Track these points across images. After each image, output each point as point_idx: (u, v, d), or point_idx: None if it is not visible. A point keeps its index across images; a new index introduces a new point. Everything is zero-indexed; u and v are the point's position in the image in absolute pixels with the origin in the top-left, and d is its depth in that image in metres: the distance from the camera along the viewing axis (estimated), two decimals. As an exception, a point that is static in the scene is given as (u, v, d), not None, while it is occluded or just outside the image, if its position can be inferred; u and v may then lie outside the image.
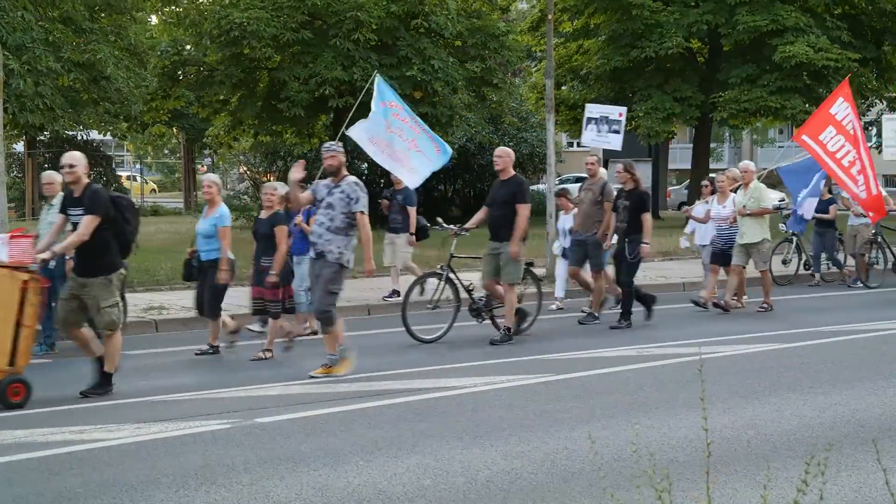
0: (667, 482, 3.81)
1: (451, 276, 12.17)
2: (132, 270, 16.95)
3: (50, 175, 11.96)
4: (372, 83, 14.34)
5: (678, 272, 19.16)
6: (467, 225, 12.47)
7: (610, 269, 13.74)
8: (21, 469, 6.82)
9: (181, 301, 14.78)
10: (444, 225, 12.86)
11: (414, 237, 15.22)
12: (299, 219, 12.01)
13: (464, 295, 12.27)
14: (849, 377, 9.63)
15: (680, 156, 47.66)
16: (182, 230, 28.99)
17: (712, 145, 36.54)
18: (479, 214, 12.35)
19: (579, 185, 18.17)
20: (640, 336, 12.32)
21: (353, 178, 10.05)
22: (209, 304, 11.36)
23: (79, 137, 43.08)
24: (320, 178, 12.19)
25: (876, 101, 34.59)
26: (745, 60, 29.02)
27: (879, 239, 17.44)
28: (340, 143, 10.71)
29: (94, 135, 44.83)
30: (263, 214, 11.50)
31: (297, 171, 10.22)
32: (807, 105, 28.40)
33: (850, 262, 17.69)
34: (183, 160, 53.48)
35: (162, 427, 7.88)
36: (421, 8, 25.66)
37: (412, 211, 15.21)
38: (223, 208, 11.49)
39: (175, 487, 6.25)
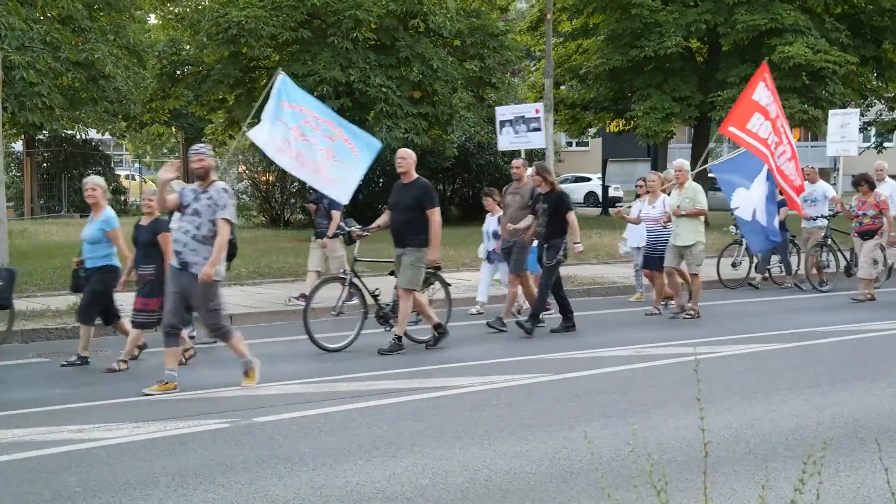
0: (664, 482, 3.82)
1: (356, 280, 11.70)
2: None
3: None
4: (273, 83, 12.83)
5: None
6: (370, 227, 11.92)
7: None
8: (20, 468, 6.82)
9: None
10: (346, 226, 12.34)
11: (328, 239, 14.30)
12: None
13: (370, 301, 11.74)
14: (847, 377, 9.65)
15: (679, 156, 47.49)
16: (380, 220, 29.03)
17: (711, 145, 36.48)
18: (383, 217, 11.76)
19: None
20: (637, 336, 12.33)
21: (221, 184, 9.39)
22: (84, 308, 10.86)
23: (77, 136, 43.04)
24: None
25: (875, 100, 34.60)
26: (744, 60, 29.00)
27: (830, 241, 16.88)
28: (209, 146, 9.89)
29: (93, 134, 44.80)
30: (144, 221, 10.75)
31: (167, 171, 9.52)
32: (805, 105, 28.47)
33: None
34: (180, 159, 53.48)
35: (160, 426, 7.89)
36: (420, 7, 25.65)
37: (336, 215, 14.36)
38: (108, 211, 10.84)
39: (173, 486, 6.27)
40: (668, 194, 14.25)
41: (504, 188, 13.96)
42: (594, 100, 32.04)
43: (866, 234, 15.40)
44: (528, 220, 12.69)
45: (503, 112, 18.38)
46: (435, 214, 11.23)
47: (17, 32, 20.52)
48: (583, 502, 5.83)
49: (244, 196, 35.58)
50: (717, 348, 11.23)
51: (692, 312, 13.76)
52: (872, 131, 41.33)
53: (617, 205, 22.33)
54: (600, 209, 38.86)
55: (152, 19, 35.20)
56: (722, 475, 6.07)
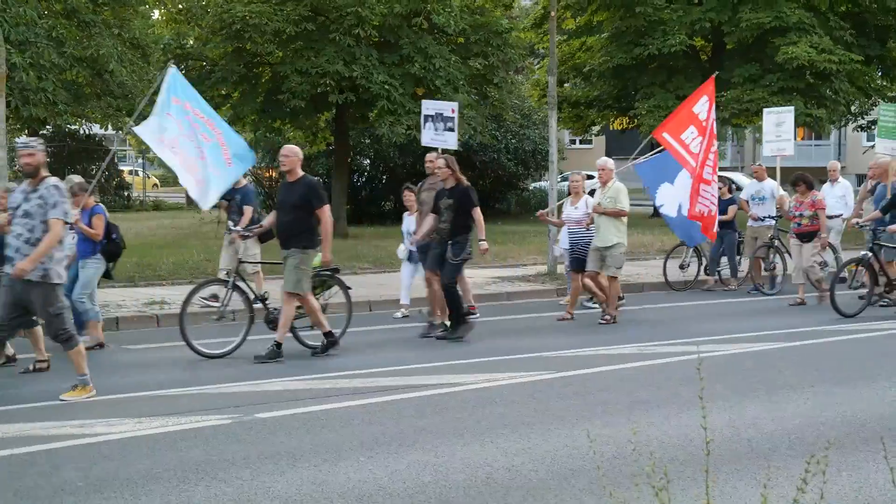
0: (666, 480, 3.81)
1: (240, 283, 11.10)
2: (134, 265, 17.08)
3: None
4: (164, 76, 12.22)
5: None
6: (254, 228, 11.54)
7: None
8: (23, 462, 6.83)
9: (183, 296, 14.78)
10: (232, 227, 11.74)
11: (242, 239, 13.18)
12: (77, 219, 10.91)
13: (257, 305, 11.18)
14: (851, 376, 9.64)
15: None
16: (184, 225, 29.06)
17: (715, 143, 36.59)
18: (269, 218, 11.28)
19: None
20: (639, 334, 12.33)
21: (53, 180, 8.58)
22: None
23: (81, 132, 43.04)
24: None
25: (879, 100, 34.54)
26: (748, 59, 29.02)
27: (777, 243, 16.07)
28: (40, 140, 9.09)
29: (97, 129, 44.81)
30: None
31: None
32: (808, 106, 28.42)
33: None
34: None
35: (163, 422, 7.89)
36: (423, 6, 25.63)
37: (248, 210, 13.71)
38: None
39: (175, 482, 6.27)
40: (592, 194, 13.83)
41: (419, 184, 13.47)
42: (598, 98, 32.06)
43: (804, 236, 14.76)
44: (429, 222, 12.07)
45: (427, 106, 17.56)
46: (325, 213, 10.65)
47: (22, 28, 20.53)
48: (584, 500, 5.82)
49: (248, 192, 35.63)
50: (721, 347, 11.22)
51: (608, 318, 13.13)
52: (875, 130, 41.30)
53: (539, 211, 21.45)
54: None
55: (156, 15, 35.16)
56: (724, 474, 6.06)
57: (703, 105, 15.17)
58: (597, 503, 5.67)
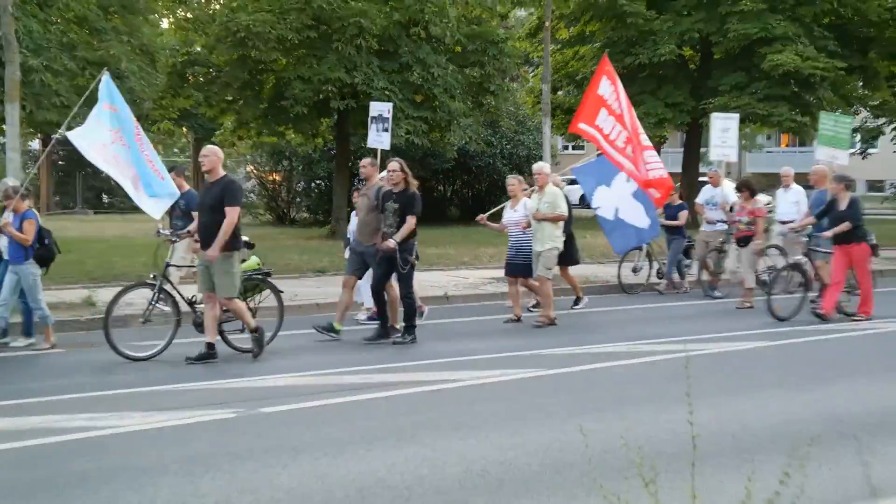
0: (654, 473, 3.83)
1: (167, 287, 10.69)
2: (141, 266, 17.06)
3: None
4: (97, 82, 11.92)
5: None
6: (181, 233, 11.14)
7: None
8: (37, 453, 6.85)
9: (190, 294, 14.79)
10: (161, 231, 11.29)
11: (198, 243, 13.06)
12: (7, 223, 11.00)
13: (185, 308, 10.82)
14: (829, 375, 9.66)
15: (671, 160, 47.61)
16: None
17: (702, 149, 36.51)
18: (194, 223, 10.89)
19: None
20: (628, 333, 12.33)
21: None
22: None
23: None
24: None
25: (861, 108, 34.65)
26: (735, 68, 29.06)
27: (727, 247, 15.68)
28: None
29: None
30: None
31: None
32: (793, 113, 28.45)
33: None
34: (192, 159, 53.49)
35: (170, 416, 7.90)
36: (421, 16, 25.66)
37: (196, 215, 13.17)
38: None
39: (182, 473, 6.28)
40: (530, 197, 13.47)
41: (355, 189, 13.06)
42: (590, 105, 32.04)
43: (742, 241, 14.80)
44: (409, 225, 11.49)
45: (374, 108, 17.18)
46: (231, 213, 10.09)
47: (35, 34, 20.55)
48: (575, 493, 5.84)
49: (252, 195, 35.60)
50: (706, 346, 11.24)
51: (543, 319, 12.93)
52: (858, 137, 41.38)
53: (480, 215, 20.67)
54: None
55: (165, 24, 35.19)
56: (709, 467, 6.09)
57: (606, 87, 14.61)
58: (587, 495, 5.69)
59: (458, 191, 35.82)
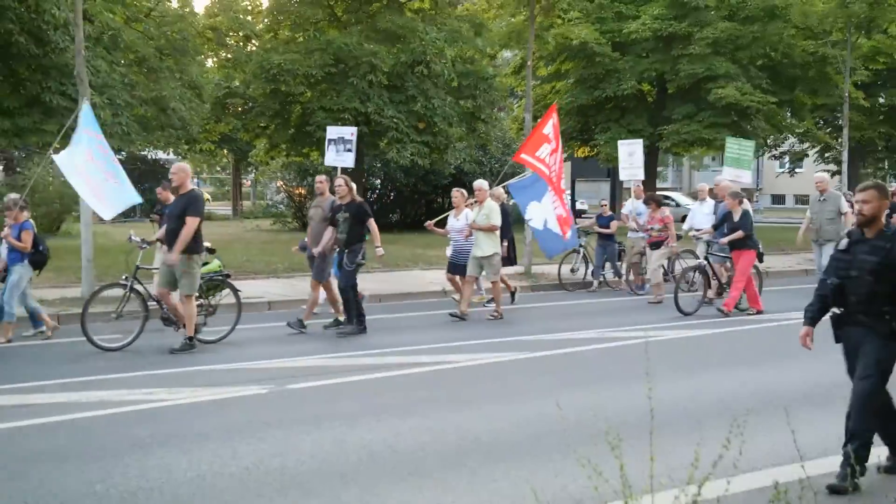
0: (619, 440, 3.82)
1: (137, 286, 10.24)
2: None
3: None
4: (78, 110, 11.70)
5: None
6: (150, 240, 10.64)
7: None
8: (102, 422, 6.83)
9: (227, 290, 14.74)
10: (132, 238, 10.73)
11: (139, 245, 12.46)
12: (7, 233, 10.64)
13: (152, 305, 10.37)
14: (766, 357, 9.67)
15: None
16: (230, 231, 29.02)
17: (659, 168, 36.60)
18: (161, 230, 10.46)
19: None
20: (600, 321, 12.30)
21: None
22: None
23: (149, 157, 43.02)
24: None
25: (789, 135, 34.69)
26: (686, 101, 29.05)
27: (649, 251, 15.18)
28: None
29: (161, 154, 44.83)
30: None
31: None
32: (734, 137, 28.45)
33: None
34: (231, 176, 53.46)
35: (213, 391, 7.89)
36: (424, 57, 25.68)
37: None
38: None
39: (223, 439, 6.27)
40: (472, 209, 13.05)
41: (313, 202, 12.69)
42: (565, 131, 31.93)
43: (654, 245, 14.54)
44: (328, 234, 11.39)
45: (331, 132, 16.58)
46: (190, 223, 9.71)
47: (102, 74, 20.54)
48: (553, 457, 5.83)
49: (281, 206, 35.58)
50: (664, 332, 11.23)
51: (496, 314, 12.64)
52: (787, 159, 41.43)
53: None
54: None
55: (210, 63, 35.21)
56: (665, 435, 6.06)
57: (549, 127, 14.54)
58: (563, 459, 5.67)
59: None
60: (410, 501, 5.05)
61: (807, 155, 39.30)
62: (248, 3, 34.32)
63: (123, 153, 35.80)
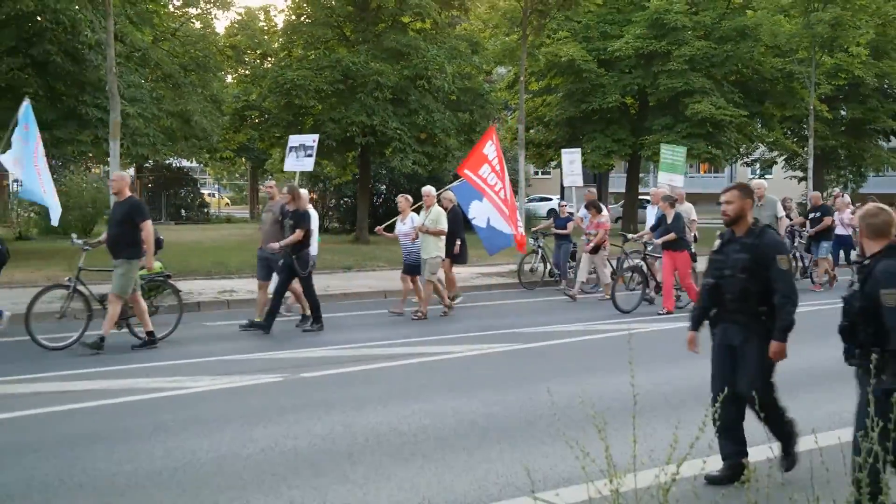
0: (604, 423, 3.80)
1: (80, 287, 9.66)
2: (210, 263, 17.04)
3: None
4: (20, 111, 11.16)
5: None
6: (92, 242, 10.06)
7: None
8: (129, 408, 6.82)
9: (247, 286, 14.76)
10: (75, 241, 10.20)
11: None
12: None
13: (96, 305, 9.77)
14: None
15: (617, 182, 47.69)
16: (247, 233, 28.97)
17: (640, 175, 36.56)
18: (104, 234, 9.84)
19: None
20: (588, 315, 12.30)
21: None
22: None
23: (173, 165, 43.03)
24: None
25: (759, 144, 34.68)
26: (665, 113, 29.04)
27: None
28: None
29: (185, 162, 44.83)
30: None
31: None
32: (709, 147, 28.52)
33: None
34: (249, 182, 53.45)
35: (231, 379, 7.87)
36: (425, 73, 25.68)
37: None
38: None
39: (241, 423, 6.25)
40: (419, 213, 12.54)
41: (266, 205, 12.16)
42: (555, 140, 32.06)
43: (593, 249, 14.08)
44: (295, 237, 10.70)
45: (292, 140, 15.88)
46: (145, 227, 9.30)
47: (132, 89, 20.57)
48: (544, 439, 5.81)
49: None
50: (647, 325, 11.21)
51: (419, 314, 11.94)
52: (757, 166, 41.42)
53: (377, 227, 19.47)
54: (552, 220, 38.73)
55: (229, 78, 35.18)
56: (647, 419, 6.06)
57: (490, 148, 13.81)
58: (553, 441, 5.66)
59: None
60: (413, 479, 5.03)
61: (776, 162, 39.29)
62: (264, 23, 34.28)
63: (152, 161, 35.85)
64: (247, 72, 31.52)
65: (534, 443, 5.75)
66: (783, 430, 5.13)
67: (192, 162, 44.35)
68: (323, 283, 15.67)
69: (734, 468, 4.91)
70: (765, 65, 28.88)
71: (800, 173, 34.96)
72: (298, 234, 10.64)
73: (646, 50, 28.26)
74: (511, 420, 6.35)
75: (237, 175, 64.85)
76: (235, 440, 5.81)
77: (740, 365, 5.09)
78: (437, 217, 12.18)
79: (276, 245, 10.59)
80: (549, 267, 16.06)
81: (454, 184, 14.15)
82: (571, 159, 17.75)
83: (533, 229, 16.52)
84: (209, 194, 53.15)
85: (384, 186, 32.90)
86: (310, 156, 15.45)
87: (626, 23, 29.47)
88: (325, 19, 27.13)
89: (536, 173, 53.19)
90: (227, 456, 5.49)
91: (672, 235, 12.24)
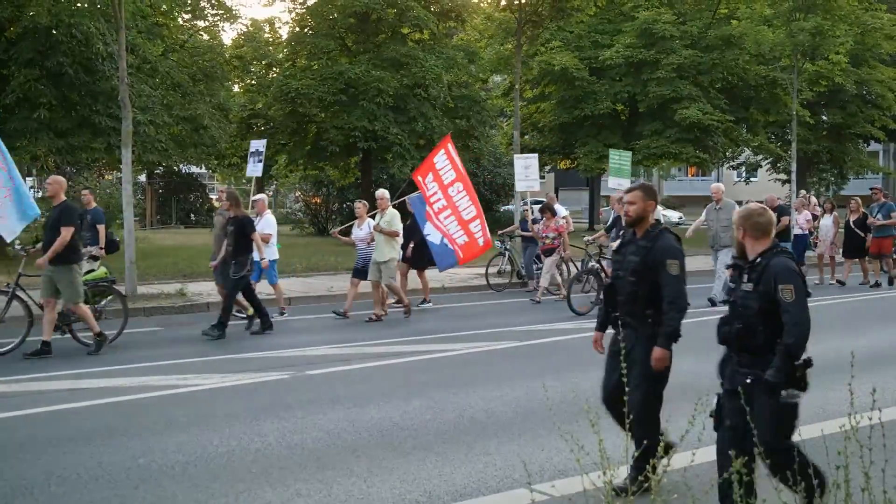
0: (597, 417, 3.81)
1: (20, 293, 9.24)
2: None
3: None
4: None
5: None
6: (28, 247, 9.69)
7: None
8: (142, 405, 6.82)
9: (257, 288, 14.72)
10: (15, 247, 9.93)
11: (103, 251, 11.92)
12: None
13: (37, 311, 9.27)
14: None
15: (607, 186, 47.76)
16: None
17: (631, 179, 36.60)
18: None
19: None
20: (568, 315, 12.29)
21: None
22: None
23: (183, 171, 43.02)
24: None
25: (745, 148, 34.74)
26: (655, 119, 29.07)
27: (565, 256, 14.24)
28: None
29: (194, 168, 44.81)
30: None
31: None
32: (697, 151, 28.57)
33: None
34: (254, 187, 53.39)
35: (240, 376, 7.88)
36: (423, 81, 25.72)
37: (101, 228, 11.96)
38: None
39: (250, 419, 6.26)
40: (374, 218, 12.07)
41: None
42: (549, 145, 32.11)
43: (547, 252, 13.79)
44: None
45: (253, 144, 15.27)
46: (64, 233, 8.83)
47: (143, 98, 20.59)
48: (540, 433, 5.82)
49: (299, 213, 35.57)
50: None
51: (375, 316, 11.62)
52: (743, 170, 41.45)
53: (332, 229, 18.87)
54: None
55: (236, 88, 35.14)
56: (637, 413, 6.05)
57: (442, 159, 13.08)
58: (549, 434, 5.67)
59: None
60: (414, 472, 5.05)
61: (760, 166, 39.34)
62: (269, 35, 34.24)
63: (162, 167, 35.82)
64: (253, 81, 31.49)
65: (530, 437, 5.76)
66: (642, 441, 4.48)
67: (200, 168, 44.34)
68: (326, 283, 15.69)
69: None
70: (749, 72, 28.93)
71: (784, 176, 34.99)
72: (255, 237, 10.39)
73: (635, 58, 28.31)
74: (508, 415, 6.36)
75: (244, 181, 64.87)
76: (244, 435, 5.82)
77: (629, 370, 4.53)
78: (391, 218, 11.75)
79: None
80: (517, 269, 15.74)
81: (413, 194, 13.57)
82: (526, 164, 16.82)
83: (500, 232, 16.16)
84: (217, 199, 53.15)
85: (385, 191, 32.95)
86: (260, 161, 14.93)
87: (617, 33, 29.51)
88: (328, 31, 27.17)
89: (531, 177, 53.03)
90: (236, 450, 5.50)
91: None
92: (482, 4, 31.52)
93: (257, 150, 15.11)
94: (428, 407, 6.59)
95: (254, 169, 15.08)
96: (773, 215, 4.24)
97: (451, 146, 13.37)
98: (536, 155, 18.01)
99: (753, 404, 3.86)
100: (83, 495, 4.72)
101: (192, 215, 42.17)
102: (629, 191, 4.92)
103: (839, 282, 16.19)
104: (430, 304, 13.27)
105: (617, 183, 16.41)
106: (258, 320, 10.67)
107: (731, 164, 40.25)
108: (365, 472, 5.05)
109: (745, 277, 4.09)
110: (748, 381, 4.05)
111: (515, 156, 17.67)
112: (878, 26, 28.74)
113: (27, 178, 39.23)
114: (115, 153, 19.59)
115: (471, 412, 6.42)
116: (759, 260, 4.05)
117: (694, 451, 3.83)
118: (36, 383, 7.65)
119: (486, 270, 15.77)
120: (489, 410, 6.48)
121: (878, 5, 29.86)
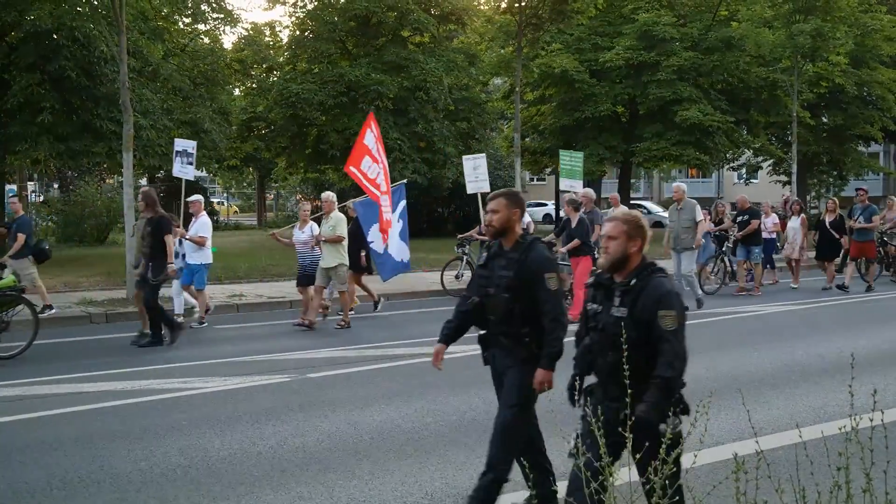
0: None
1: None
2: (220, 268, 17.03)
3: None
4: None
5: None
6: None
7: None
8: (144, 408, 6.83)
9: (255, 290, 14.77)
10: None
11: (12, 260, 11.32)
12: None
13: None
14: (726, 345, 9.65)
15: (609, 188, 47.74)
16: (255, 240, 28.98)
17: (632, 180, 36.62)
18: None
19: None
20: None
21: None
22: None
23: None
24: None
25: (745, 149, 34.73)
26: (655, 121, 29.09)
27: None
28: None
29: (196, 172, 44.92)
30: None
31: None
32: (697, 153, 28.56)
33: None
34: (256, 190, 53.47)
35: (242, 379, 7.88)
36: (424, 84, 25.74)
37: (21, 237, 11.44)
38: None
39: (251, 421, 6.26)
40: (318, 222, 11.60)
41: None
42: (549, 148, 32.10)
43: None
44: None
45: (178, 144, 14.44)
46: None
47: (144, 102, 20.63)
48: (541, 432, 5.81)
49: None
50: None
51: (342, 323, 11.23)
52: (743, 171, 41.47)
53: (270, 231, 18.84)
54: (554, 226, 38.76)
55: (237, 91, 35.20)
56: (638, 415, 6.06)
57: (370, 139, 12.58)
58: (550, 435, 5.66)
59: (453, 212, 35.78)
60: (416, 475, 5.05)
61: (761, 167, 39.34)
62: (270, 38, 34.33)
63: (163, 171, 35.82)
64: (253, 85, 31.55)
65: (531, 438, 5.75)
66: (492, 464, 4.28)
67: (201, 171, 44.37)
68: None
69: (543, 496, 4.10)
70: (750, 74, 28.93)
71: (784, 177, 34.99)
72: (168, 240, 9.98)
73: (636, 61, 28.31)
74: (509, 417, 6.35)
75: (245, 184, 64.89)
76: (246, 438, 5.83)
77: (503, 389, 4.41)
78: (337, 223, 11.27)
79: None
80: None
81: (358, 199, 12.89)
82: (475, 165, 16.03)
83: (459, 236, 15.70)
84: (218, 203, 53.12)
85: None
86: (190, 163, 14.22)
87: (617, 35, 29.52)
88: (329, 34, 27.21)
89: (532, 179, 53.23)
90: (237, 453, 5.51)
91: (577, 242, 11.57)
92: (482, 7, 31.56)
93: (185, 150, 14.25)
94: (429, 409, 6.60)
95: (182, 170, 14.19)
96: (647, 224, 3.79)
97: (374, 124, 12.85)
98: (484, 155, 17.37)
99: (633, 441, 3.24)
100: (85, 498, 4.73)
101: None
102: (492, 198, 4.39)
103: (825, 288, 15.20)
104: (386, 300, 12.79)
105: (569, 185, 16.23)
106: (150, 332, 9.96)
107: (732, 165, 40.25)
108: (367, 474, 5.05)
109: (617, 301, 3.57)
110: (623, 417, 3.39)
111: (464, 157, 17.04)
112: (877, 28, 28.76)
113: (28, 183, 39.27)
114: (116, 157, 19.63)
115: (472, 414, 6.43)
116: (633, 282, 3.55)
117: (696, 454, 3.84)
118: (38, 387, 7.66)
119: (442, 274, 15.10)
120: (490, 412, 6.44)
121: (878, 7, 29.88)
